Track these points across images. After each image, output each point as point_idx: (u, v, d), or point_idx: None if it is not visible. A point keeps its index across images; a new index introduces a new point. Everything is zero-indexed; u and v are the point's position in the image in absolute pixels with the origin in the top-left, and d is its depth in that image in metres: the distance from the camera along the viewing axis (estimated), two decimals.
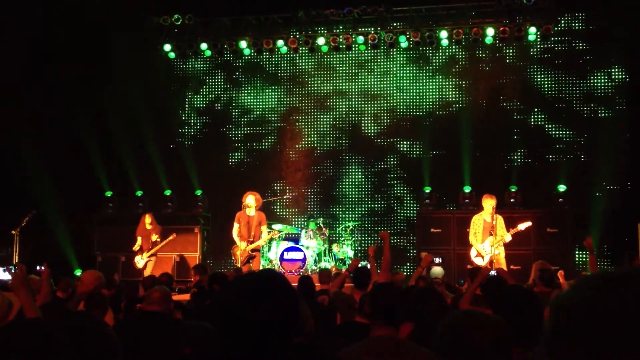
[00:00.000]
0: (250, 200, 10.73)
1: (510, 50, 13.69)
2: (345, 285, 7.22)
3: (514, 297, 3.17)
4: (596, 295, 0.95)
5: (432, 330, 3.78)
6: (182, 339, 2.93)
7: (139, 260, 11.61)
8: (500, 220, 10.46)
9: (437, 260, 10.95)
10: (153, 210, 13.57)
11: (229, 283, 2.06)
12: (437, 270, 9.09)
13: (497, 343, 2.09)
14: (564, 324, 0.97)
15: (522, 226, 10.25)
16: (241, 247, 10.66)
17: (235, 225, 10.81)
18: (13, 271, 3.85)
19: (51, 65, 12.69)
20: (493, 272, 7.85)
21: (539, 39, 13.17)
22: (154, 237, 11.57)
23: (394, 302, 3.38)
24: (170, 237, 11.73)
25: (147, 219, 11.73)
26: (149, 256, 11.62)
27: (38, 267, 8.99)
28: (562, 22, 13.34)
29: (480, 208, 10.74)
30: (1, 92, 11.59)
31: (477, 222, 10.57)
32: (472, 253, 10.57)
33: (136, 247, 11.67)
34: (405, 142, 14.01)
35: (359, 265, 6.99)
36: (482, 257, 10.30)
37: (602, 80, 13.16)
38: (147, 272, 11.43)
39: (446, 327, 2.15)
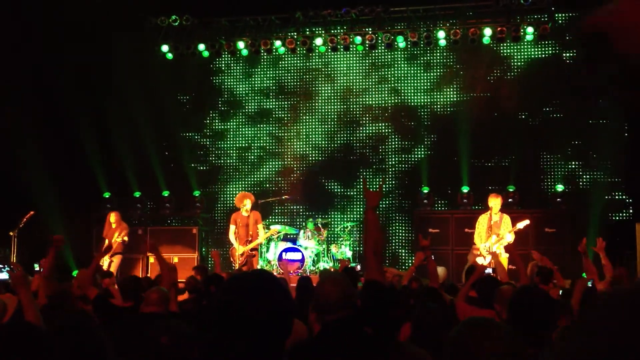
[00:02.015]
0: (246, 201, 10.80)
1: (508, 50, 13.70)
2: None
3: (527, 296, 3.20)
4: None
5: (432, 331, 3.81)
6: (160, 330, 2.97)
7: (103, 261, 10.95)
8: (506, 220, 10.45)
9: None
10: (152, 211, 13.61)
11: (223, 283, 2.07)
12: (439, 271, 8.94)
13: (510, 355, 1.99)
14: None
15: (520, 225, 10.24)
16: (239, 251, 10.68)
17: (232, 227, 10.85)
18: (12, 272, 3.87)
19: (51, 65, 12.70)
20: (489, 271, 7.86)
21: (536, 39, 13.16)
22: (116, 237, 11.17)
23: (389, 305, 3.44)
24: (123, 233, 11.24)
25: (112, 217, 11.47)
26: (112, 255, 11.15)
27: (37, 267, 8.98)
28: (560, 21, 13.33)
29: (486, 208, 10.78)
30: (0, 92, 11.59)
31: (482, 222, 10.60)
32: (474, 253, 10.58)
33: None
34: (403, 142, 14.03)
35: (349, 266, 6.97)
36: (484, 256, 10.30)
37: (601, 81, 13.10)
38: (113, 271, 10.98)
39: (456, 338, 2.05)
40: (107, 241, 11.40)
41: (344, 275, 3.35)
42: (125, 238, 11.34)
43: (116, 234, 11.28)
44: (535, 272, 7.24)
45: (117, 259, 11.36)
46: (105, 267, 11.07)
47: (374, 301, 3.21)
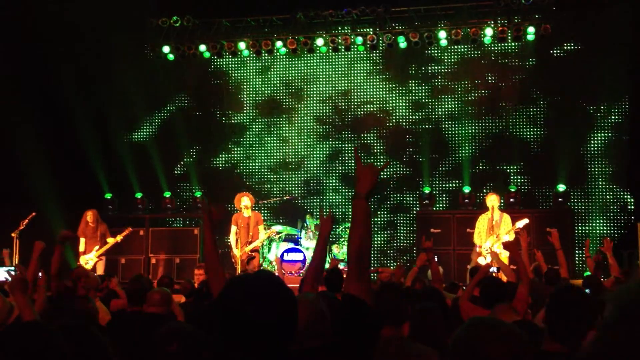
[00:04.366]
0: (246, 202, 10.78)
1: (509, 50, 13.69)
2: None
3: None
4: None
5: (432, 330, 3.81)
6: (168, 337, 2.96)
7: (87, 261, 10.94)
8: (505, 219, 10.43)
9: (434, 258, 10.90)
10: (154, 212, 13.60)
11: (226, 284, 2.05)
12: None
13: (517, 355, 1.92)
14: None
15: (519, 224, 10.21)
16: (237, 253, 10.64)
17: (233, 228, 10.84)
18: (12, 273, 3.86)
19: (52, 66, 12.70)
20: (494, 269, 7.85)
21: (537, 39, 13.12)
22: (106, 237, 11.10)
23: (399, 302, 3.40)
24: (126, 232, 11.16)
25: (89, 216, 11.26)
26: (99, 256, 11.06)
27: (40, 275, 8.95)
28: (562, 21, 13.29)
29: (485, 207, 10.78)
30: (1, 93, 11.59)
31: (482, 222, 10.59)
32: (475, 253, 10.57)
33: (82, 249, 11.13)
34: (405, 143, 14.02)
35: (336, 268, 6.88)
36: (484, 256, 10.29)
37: (603, 80, 13.08)
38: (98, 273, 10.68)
39: (461, 338, 1.99)
40: (82, 240, 11.24)
41: (317, 297, 2.71)
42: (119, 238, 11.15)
43: (111, 239, 11.13)
44: (544, 273, 7.24)
45: (102, 263, 11.20)
46: (89, 268, 10.94)
47: (352, 325, 2.65)
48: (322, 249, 4.05)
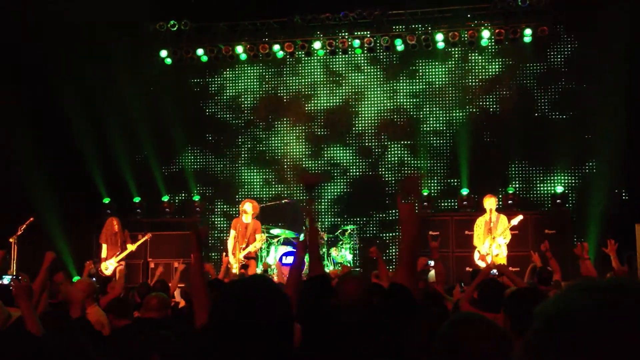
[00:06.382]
0: (248, 207, 10.78)
1: (507, 52, 13.69)
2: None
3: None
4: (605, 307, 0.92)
5: (432, 334, 3.80)
6: (149, 347, 2.95)
7: (108, 267, 11.17)
8: (502, 220, 10.45)
9: (432, 263, 10.92)
10: (151, 216, 13.57)
11: (224, 287, 2.06)
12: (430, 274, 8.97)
13: (501, 354, 1.95)
14: (561, 335, 0.93)
15: (514, 221, 10.28)
16: (231, 260, 10.60)
17: (232, 233, 10.85)
18: (17, 281, 3.87)
19: (49, 71, 12.68)
20: (494, 272, 7.85)
21: (535, 40, 13.13)
22: (127, 243, 11.35)
23: None
24: (146, 237, 11.45)
25: (113, 223, 11.47)
26: (119, 261, 11.26)
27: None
28: (559, 22, 13.29)
29: (482, 209, 10.79)
30: (1, 94, 11.56)
31: (480, 224, 10.62)
32: (476, 256, 10.58)
33: (104, 255, 11.36)
34: (402, 145, 14.02)
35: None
36: (485, 259, 10.31)
37: (601, 83, 13.07)
38: (118, 279, 11.01)
39: (443, 335, 2.01)
40: (104, 246, 11.37)
41: (363, 275, 3.36)
42: (146, 237, 11.55)
43: (130, 245, 11.35)
44: (537, 273, 7.26)
45: (121, 269, 11.34)
46: (109, 273, 11.14)
47: (398, 305, 3.06)
48: (302, 257, 4.18)
